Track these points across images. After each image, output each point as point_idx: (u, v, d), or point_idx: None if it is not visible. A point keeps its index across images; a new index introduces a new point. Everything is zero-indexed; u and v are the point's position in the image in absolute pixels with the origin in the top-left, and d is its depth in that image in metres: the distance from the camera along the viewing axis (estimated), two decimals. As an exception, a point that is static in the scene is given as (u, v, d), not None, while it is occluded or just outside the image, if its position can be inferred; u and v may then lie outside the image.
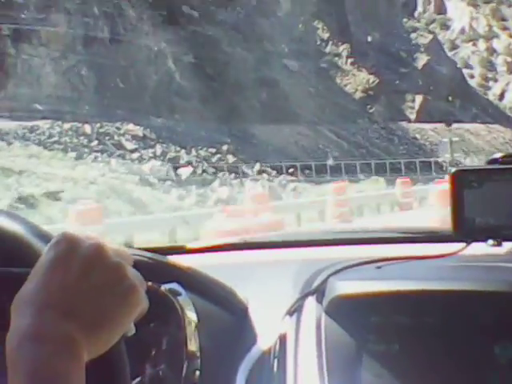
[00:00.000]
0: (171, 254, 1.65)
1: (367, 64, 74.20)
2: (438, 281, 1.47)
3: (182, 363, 1.21)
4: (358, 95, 71.75)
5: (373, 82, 72.52)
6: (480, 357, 1.40)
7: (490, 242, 1.55)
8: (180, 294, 1.23)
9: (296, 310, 1.49)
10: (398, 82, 74.28)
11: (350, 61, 74.20)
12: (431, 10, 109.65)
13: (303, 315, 1.48)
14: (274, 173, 47.90)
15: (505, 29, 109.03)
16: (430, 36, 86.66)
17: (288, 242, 2.00)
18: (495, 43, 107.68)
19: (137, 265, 0.88)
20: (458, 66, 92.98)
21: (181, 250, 1.87)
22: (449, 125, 73.83)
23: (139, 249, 1.39)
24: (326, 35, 75.36)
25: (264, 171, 48.48)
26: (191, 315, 1.23)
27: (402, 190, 24.12)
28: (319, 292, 1.49)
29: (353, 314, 1.43)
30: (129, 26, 58.79)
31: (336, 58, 74.64)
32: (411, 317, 1.43)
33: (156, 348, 1.21)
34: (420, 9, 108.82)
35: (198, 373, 1.23)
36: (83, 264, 0.82)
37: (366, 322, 1.43)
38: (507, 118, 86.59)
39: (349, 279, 1.48)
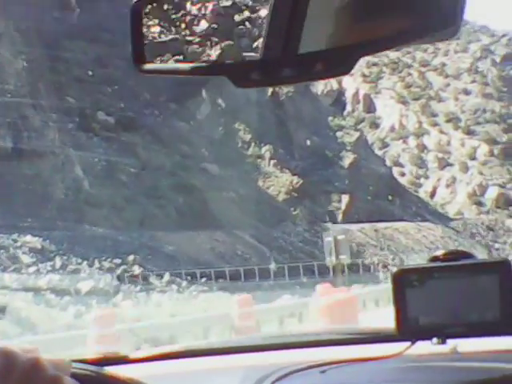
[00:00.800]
0: (112, 364, 1.64)
1: (291, 165, 72.51)
2: None
3: None
4: (282, 197, 69.63)
5: (297, 182, 70.60)
6: None
7: (435, 340, 1.54)
8: None
9: None
10: (323, 182, 72.61)
11: (272, 162, 72.40)
12: (360, 109, 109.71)
13: None
14: (185, 283, 45.40)
15: (435, 125, 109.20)
16: (357, 134, 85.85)
17: (232, 348, 1.93)
18: (426, 139, 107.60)
19: (77, 379, 0.88)
20: (388, 164, 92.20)
21: (122, 360, 1.80)
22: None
23: (77, 361, 1.30)
24: (247, 137, 73.66)
25: (173, 282, 45.97)
26: None
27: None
28: None
29: None
30: (33, 133, 56.31)
31: (259, 160, 72.80)
32: None
33: None
34: (349, 108, 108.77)
35: None
36: (20, 378, 0.82)
37: None
38: (438, 216, 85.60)
39: None
